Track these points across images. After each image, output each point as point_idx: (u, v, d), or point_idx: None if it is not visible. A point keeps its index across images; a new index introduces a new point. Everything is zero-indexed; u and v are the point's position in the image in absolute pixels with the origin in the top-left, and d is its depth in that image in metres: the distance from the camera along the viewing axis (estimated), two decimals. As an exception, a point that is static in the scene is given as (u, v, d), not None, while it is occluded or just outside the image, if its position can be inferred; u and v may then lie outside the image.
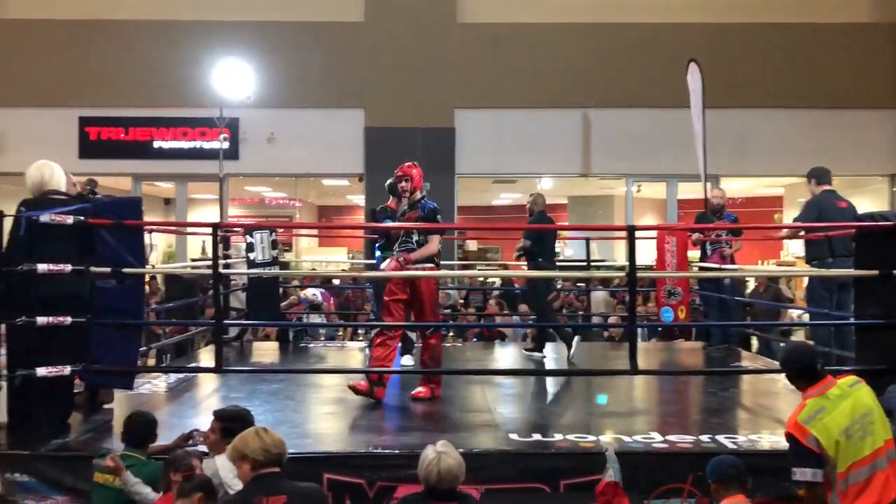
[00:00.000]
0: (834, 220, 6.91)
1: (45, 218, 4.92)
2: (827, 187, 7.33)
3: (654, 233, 8.46)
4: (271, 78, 13.23)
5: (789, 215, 16.39)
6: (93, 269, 5.26)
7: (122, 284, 5.23)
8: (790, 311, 10.71)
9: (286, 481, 3.51)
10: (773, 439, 5.01)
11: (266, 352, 9.33)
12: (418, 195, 6.35)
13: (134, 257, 5.29)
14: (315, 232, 16.23)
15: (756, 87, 13.71)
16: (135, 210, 5.41)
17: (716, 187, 9.12)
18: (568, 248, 18.02)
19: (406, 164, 6.41)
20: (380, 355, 6.06)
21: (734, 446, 4.82)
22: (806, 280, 8.58)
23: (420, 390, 6.27)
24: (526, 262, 8.63)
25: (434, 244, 6.18)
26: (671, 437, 5.00)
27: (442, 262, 12.97)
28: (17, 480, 4.68)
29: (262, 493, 3.41)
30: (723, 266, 8.44)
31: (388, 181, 7.80)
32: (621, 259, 14.85)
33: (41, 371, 4.91)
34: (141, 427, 4.42)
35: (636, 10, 13.88)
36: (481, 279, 14.39)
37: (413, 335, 7.93)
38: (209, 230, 5.91)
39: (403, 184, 6.31)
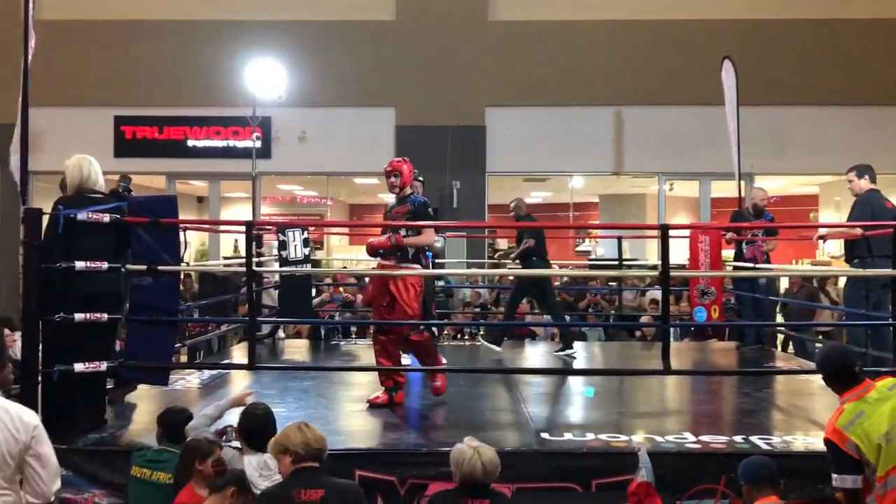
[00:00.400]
0: (885, 219, 6.80)
1: (82, 216, 4.98)
2: (873, 186, 7.23)
3: (687, 231, 8.40)
4: (303, 77, 13.31)
5: (825, 214, 16.17)
6: (129, 266, 5.33)
7: (158, 282, 5.29)
8: (826, 311, 10.56)
9: (325, 476, 3.55)
10: (807, 441, 4.96)
11: (298, 349, 9.39)
12: (408, 190, 6.13)
13: (169, 255, 5.34)
14: (346, 230, 16.29)
15: (791, 84, 13.55)
16: (170, 208, 5.46)
17: (759, 188, 8.98)
18: (599, 248, 17.91)
19: (396, 159, 6.18)
20: (386, 362, 6.00)
21: (768, 447, 4.77)
22: (843, 280, 8.46)
23: (378, 395, 5.99)
24: (521, 264, 8.51)
25: (428, 236, 5.95)
26: (704, 438, 4.96)
27: (470, 261, 13.04)
28: (56, 476, 4.76)
29: (300, 486, 3.45)
30: (757, 265, 8.34)
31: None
32: (653, 258, 14.76)
33: (79, 367, 4.98)
34: (177, 422, 4.46)
35: (669, 7, 13.79)
36: (511, 278, 14.34)
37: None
38: (243, 228, 5.97)
39: (393, 179, 6.07)
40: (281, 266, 7.40)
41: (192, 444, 4.09)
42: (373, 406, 5.90)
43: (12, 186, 13.59)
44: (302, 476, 3.50)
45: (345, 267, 15.53)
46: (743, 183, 10.75)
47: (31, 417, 3.34)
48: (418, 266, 5.95)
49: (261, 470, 4.00)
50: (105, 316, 5.08)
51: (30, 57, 5.41)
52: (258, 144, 12.50)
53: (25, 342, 4.95)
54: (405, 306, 5.84)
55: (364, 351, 9.19)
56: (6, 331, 6.75)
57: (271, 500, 3.52)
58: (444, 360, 6.63)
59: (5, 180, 13.89)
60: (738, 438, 4.96)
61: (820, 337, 9.67)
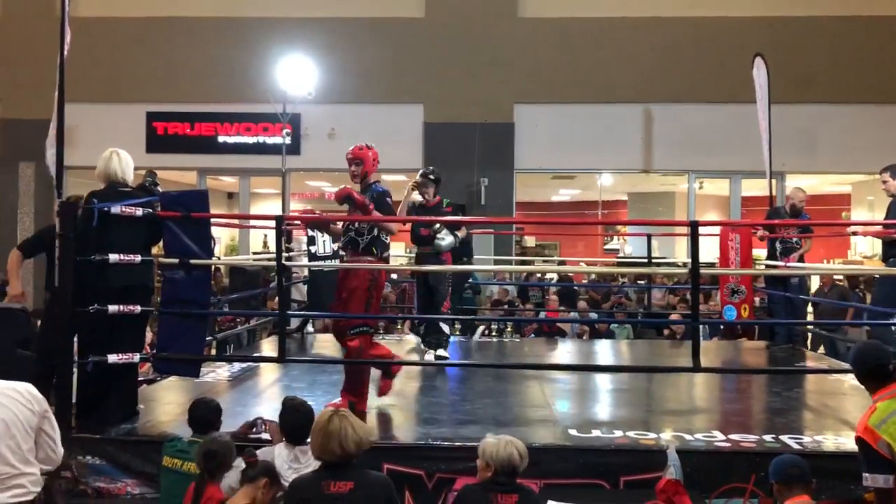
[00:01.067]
0: None
1: (116, 209, 5.05)
2: None
3: (717, 230, 8.34)
4: (332, 74, 13.37)
5: (857, 213, 15.97)
6: (161, 259, 5.40)
7: (190, 275, 5.35)
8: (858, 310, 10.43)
9: (357, 469, 3.55)
10: (838, 441, 4.91)
11: (326, 343, 9.44)
12: (370, 180, 5.71)
13: (201, 249, 5.40)
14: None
15: (823, 82, 13.40)
16: (202, 202, 5.51)
17: (798, 188, 8.85)
18: (628, 246, 17.84)
19: (359, 145, 5.73)
20: (379, 353, 5.80)
21: (799, 447, 4.72)
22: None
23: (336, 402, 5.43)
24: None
25: (391, 225, 5.72)
26: (734, 436, 4.93)
27: (498, 258, 13.00)
28: (88, 463, 4.84)
29: (330, 477, 3.46)
30: (788, 263, 8.26)
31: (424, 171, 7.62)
32: (682, 257, 14.67)
33: (112, 358, 5.06)
34: (206, 414, 4.51)
35: (701, 4, 13.67)
36: (539, 275, 14.33)
37: (446, 327, 7.77)
38: (272, 223, 6.01)
39: (354, 167, 5.63)
40: (310, 261, 7.46)
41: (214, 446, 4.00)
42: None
43: (46, 181, 13.86)
44: (333, 468, 3.51)
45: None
46: (774, 181, 10.65)
47: (36, 390, 3.52)
48: (370, 258, 5.61)
49: (290, 462, 4.04)
50: (138, 308, 5.15)
51: (65, 53, 5.48)
52: (288, 141, 12.58)
53: (60, 333, 5.03)
54: (361, 300, 5.53)
55: (390, 345, 9.24)
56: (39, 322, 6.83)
57: (300, 489, 3.53)
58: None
59: (39, 175, 14.20)
60: (769, 437, 4.93)
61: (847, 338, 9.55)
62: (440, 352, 7.58)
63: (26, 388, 3.49)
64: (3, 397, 3.39)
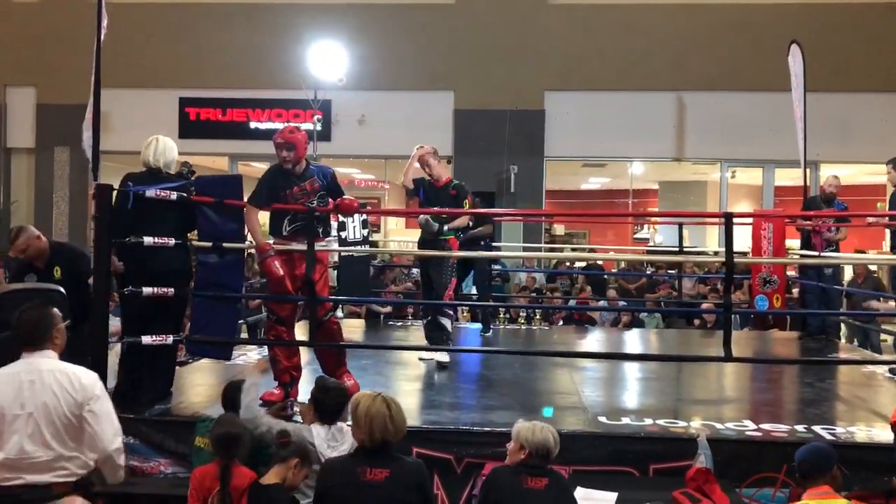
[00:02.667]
0: None
1: (150, 193, 5.11)
2: None
3: (748, 219, 8.25)
4: (363, 60, 13.39)
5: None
6: (195, 243, 5.46)
7: (223, 259, 5.40)
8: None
9: (393, 456, 3.57)
10: (871, 432, 4.87)
11: (355, 328, 9.49)
12: (304, 164, 5.37)
13: (234, 233, 5.45)
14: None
15: (860, 71, 13.19)
16: (235, 188, 5.57)
17: (832, 175, 8.79)
18: (658, 235, 17.72)
19: (288, 129, 5.35)
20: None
21: (831, 437, 4.69)
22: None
23: (272, 391, 5.34)
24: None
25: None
26: (765, 426, 4.90)
27: (527, 244, 12.95)
28: (123, 442, 4.91)
29: (366, 463, 3.49)
30: (821, 254, 8.17)
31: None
32: (713, 246, 14.54)
33: (146, 339, 5.13)
34: (239, 396, 4.54)
35: (733, -10, 13.52)
36: (567, 263, 14.29)
37: (448, 323, 6.90)
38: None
39: (286, 153, 5.27)
40: (340, 246, 7.49)
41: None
42: (265, 402, 5.14)
43: (81, 165, 14.05)
44: (370, 452, 3.53)
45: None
46: (808, 171, 10.51)
47: (89, 378, 3.45)
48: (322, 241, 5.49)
49: (328, 441, 4.09)
50: (171, 291, 5.21)
51: (102, 38, 5.55)
52: (319, 127, 12.62)
53: (95, 315, 5.10)
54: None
55: (419, 332, 9.29)
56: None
57: (334, 473, 3.55)
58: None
59: (74, 159, 14.40)
60: (800, 427, 4.89)
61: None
62: (440, 357, 6.81)
63: (76, 375, 3.42)
64: (52, 380, 3.36)
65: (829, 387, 6.52)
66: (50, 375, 3.37)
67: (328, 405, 4.22)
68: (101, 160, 5.91)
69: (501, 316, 9.92)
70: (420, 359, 7.01)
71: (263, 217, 5.54)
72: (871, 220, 8.75)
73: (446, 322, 6.85)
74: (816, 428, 4.88)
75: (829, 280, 8.46)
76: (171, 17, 14.28)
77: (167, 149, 5.36)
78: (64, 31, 13.92)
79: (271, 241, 5.42)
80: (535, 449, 3.72)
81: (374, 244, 11.48)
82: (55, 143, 14.48)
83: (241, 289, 5.85)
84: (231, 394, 4.55)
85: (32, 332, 3.45)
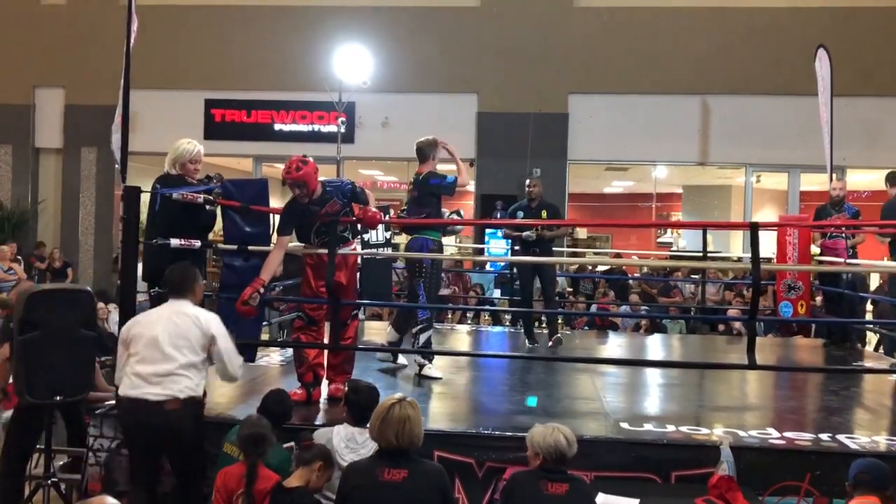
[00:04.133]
0: None
1: (177, 195, 5.15)
2: None
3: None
4: (387, 63, 13.43)
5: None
6: (220, 245, 5.51)
7: (248, 262, 5.45)
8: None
9: (412, 458, 3.60)
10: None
11: (377, 331, 9.52)
12: (319, 189, 5.36)
13: (260, 237, 5.50)
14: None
15: (888, 74, 13.05)
16: (262, 191, 5.62)
17: (839, 179, 8.78)
18: (681, 239, 17.64)
19: (294, 164, 5.21)
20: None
21: (856, 447, 4.64)
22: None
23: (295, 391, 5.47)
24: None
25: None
26: (788, 434, 4.86)
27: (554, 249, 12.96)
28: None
29: (385, 464, 3.52)
30: (848, 261, 8.10)
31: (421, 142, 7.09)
32: (737, 249, 14.44)
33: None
34: (270, 406, 4.48)
35: (758, -6, 13.43)
36: (590, 267, 14.27)
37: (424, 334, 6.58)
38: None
39: (297, 191, 5.27)
40: (363, 248, 7.52)
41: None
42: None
43: (108, 165, 14.20)
44: (390, 454, 3.57)
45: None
46: (834, 176, 10.43)
47: (204, 315, 4.35)
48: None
49: (347, 442, 4.12)
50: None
51: (132, 41, 5.61)
52: (342, 129, 12.69)
53: (122, 315, 5.16)
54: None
55: (441, 335, 9.30)
56: (100, 304, 7.03)
57: (356, 475, 3.60)
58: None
59: (101, 160, 14.56)
60: (825, 436, 4.85)
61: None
62: (427, 370, 6.49)
63: (195, 313, 4.31)
64: (178, 317, 4.27)
65: (854, 395, 6.46)
66: (176, 316, 4.27)
67: (360, 405, 4.25)
68: (127, 161, 5.97)
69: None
70: (394, 364, 6.87)
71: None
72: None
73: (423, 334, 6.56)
74: (841, 437, 4.83)
75: (846, 286, 8.39)
76: (197, 19, 14.40)
77: (184, 153, 5.33)
78: (91, 33, 14.08)
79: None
80: (549, 452, 3.72)
81: (395, 247, 11.51)
82: (83, 144, 14.66)
83: (267, 291, 5.87)
84: (265, 405, 4.53)
85: (179, 284, 4.41)
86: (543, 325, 9.00)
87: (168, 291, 4.44)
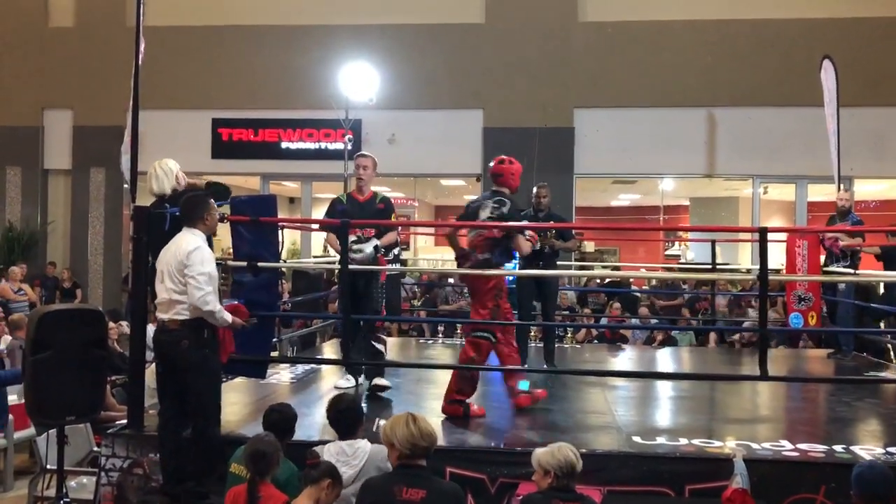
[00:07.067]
0: None
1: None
2: None
3: (782, 235, 8.18)
4: (393, 80, 13.50)
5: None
6: (230, 262, 5.52)
7: (258, 278, 5.46)
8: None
9: (429, 476, 3.59)
10: (912, 453, 4.78)
11: (389, 346, 9.52)
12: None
13: (269, 253, 5.51)
14: (431, 231, 16.41)
15: (894, 84, 13.04)
16: (270, 207, 5.63)
17: (845, 189, 8.76)
18: (689, 251, 17.60)
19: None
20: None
21: (870, 458, 4.60)
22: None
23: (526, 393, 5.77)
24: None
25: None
26: (802, 446, 4.83)
27: (560, 263, 12.97)
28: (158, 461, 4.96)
29: (403, 483, 3.50)
30: (857, 272, 8.06)
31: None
32: (745, 263, 14.40)
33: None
34: (275, 421, 4.44)
35: (764, 6, 13.45)
36: (598, 280, 14.23)
37: (382, 347, 6.47)
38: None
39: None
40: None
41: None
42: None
43: (116, 185, 14.27)
44: (406, 473, 3.55)
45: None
46: (841, 187, 10.41)
47: (188, 245, 4.59)
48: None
49: (338, 456, 4.11)
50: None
51: (140, 61, 5.65)
52: (350, 146, 12.73)
53: (133, 334, 5.17)
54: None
55: (451, 350, 9.28)
56: (110, 323, 7.05)
57: (373, 491, 3.57)
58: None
59: (109, 180, 14.64)
60: (839, 447, 4.81)
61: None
62: (378, 380, 6.31)
63: (185, 242, 4.61)
64: (175, 245, 4.64)
65: (868, 406, 6.41)
66: (177, 246, 4.63)
67: (339, 420, 4.28)
68: (137, 181, 6.00)
69: (533, 334, 9.87)
70: (347, 376, 6.59)
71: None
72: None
73: (380, 346, 6.40)
74: (856, 448, 4.80)
75: (843, 295, 8.34)
76: (204, 40, 14.51)
77: (164, 174, 5.32)
78: (99, 55, 14.19)
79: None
80: (560, 469, 3.68)
81: (404, 262, 11.52)
82: (91, 164, 14.75)
83: (276, 307, 5.89)
84: (267, 419, 4.51)
85: (188, 212, 4.71)
86: (539, 340, 8.69)
87: (181, 219, 4.76)
